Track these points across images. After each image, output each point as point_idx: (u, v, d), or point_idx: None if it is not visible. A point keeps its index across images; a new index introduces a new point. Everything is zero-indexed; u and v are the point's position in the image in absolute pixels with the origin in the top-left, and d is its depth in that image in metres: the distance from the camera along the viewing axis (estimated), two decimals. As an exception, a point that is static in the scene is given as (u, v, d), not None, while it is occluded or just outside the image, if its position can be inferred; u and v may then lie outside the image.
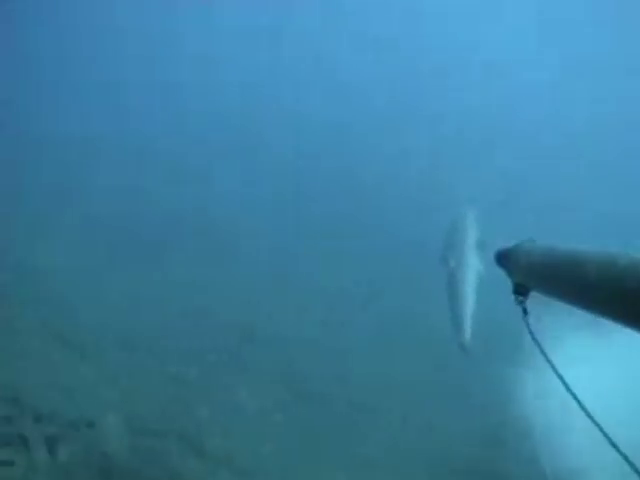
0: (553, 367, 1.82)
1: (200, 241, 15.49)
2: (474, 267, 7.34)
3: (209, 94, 23.09)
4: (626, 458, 1.54)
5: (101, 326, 11.56)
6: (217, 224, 16.43)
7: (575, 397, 1.73)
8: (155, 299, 12.95)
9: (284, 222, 16.77)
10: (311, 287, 14.58)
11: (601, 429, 1.64)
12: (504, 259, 2.24)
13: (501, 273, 2.38)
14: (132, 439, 8.89)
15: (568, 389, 1.74)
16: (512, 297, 2.21)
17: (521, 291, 2.12)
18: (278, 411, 10.94)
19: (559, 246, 1.86)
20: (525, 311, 2.08)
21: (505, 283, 2.32)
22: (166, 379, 10.72)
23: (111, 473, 7.99)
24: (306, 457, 9.97)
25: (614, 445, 1.59)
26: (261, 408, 10.85)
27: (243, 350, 12.33)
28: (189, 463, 8.97)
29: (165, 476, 8.52)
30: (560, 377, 1.76)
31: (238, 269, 14.79)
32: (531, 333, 2.00)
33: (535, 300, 2.09)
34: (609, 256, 1.54)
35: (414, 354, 11.71)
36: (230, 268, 14.63)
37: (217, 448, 9.34)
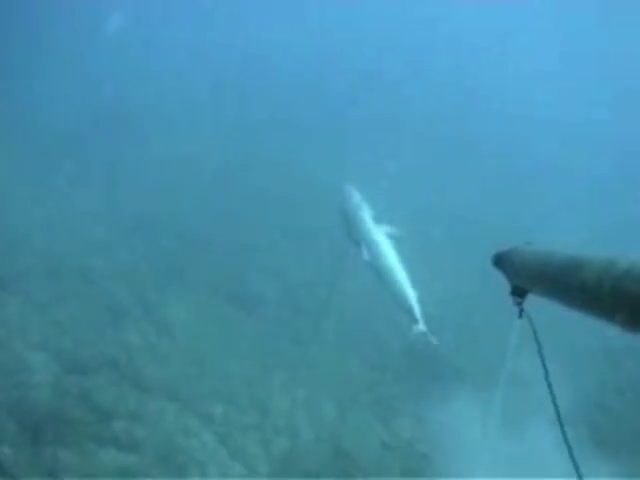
0: (543, 362, 2.02)
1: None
2: (386, 244, 7.31)
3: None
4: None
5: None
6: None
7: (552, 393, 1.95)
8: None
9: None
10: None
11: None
12: (501, 261, 2.25)
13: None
14: (62, 379, 8.20)
15: (549, 386, 1.93)
16: None
17: (518, 293, 2.15)
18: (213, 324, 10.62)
19: (557, 249, 1.86)
20: (521, 313, 2.14)
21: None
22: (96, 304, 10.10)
23: (40, 423, 7.28)
24: (246, 367, 9.68)
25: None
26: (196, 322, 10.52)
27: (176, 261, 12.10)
28: (124, 396, 8.29)
29: (100, 416, 7.83)
30: (546, 371, 1.97)
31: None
32: (534, 332, 2.09)
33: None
34: (608, 258, 1.55)
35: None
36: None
37: (151, 377, 8.75)
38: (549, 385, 1.97)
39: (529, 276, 2.05)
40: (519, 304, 2.19)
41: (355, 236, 7.57)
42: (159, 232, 13.85)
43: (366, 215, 7.59)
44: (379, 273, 7.31)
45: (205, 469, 7.70)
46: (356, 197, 7.73)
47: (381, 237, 7.41)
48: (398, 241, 7.46)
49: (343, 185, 8.02)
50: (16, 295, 9.93)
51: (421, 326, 7.12)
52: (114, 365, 8.95)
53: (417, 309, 7.11)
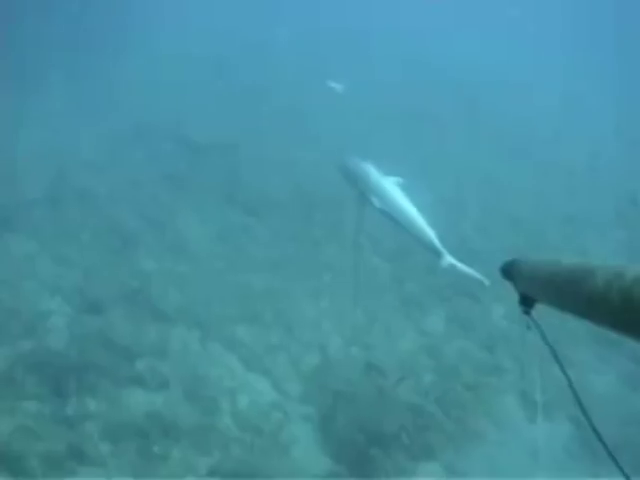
0: (562, 369, 1.92)
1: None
2: (395, 191, 6.94)
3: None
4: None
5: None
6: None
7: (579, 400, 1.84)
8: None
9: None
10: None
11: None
12: (509, 270, 2.24)
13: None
14: (77, 320, 7.94)
15: (574, 392, 1.83)
16: None
17: (527, 302, 2.14)
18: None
19: (565, 258, 1.86)
20: (530, 324, 2.10)
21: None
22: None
23: (61, 372, 7.07)
24: (266, 280, 9.42)
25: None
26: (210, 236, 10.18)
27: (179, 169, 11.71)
28: (144, 330, 8.03)
29: (121, 356, 7.60)
30: (568, 379, 1.88)
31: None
32: (545, 340, 2.03)
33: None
34: (616, 268, 1.54)
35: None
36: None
37: (170, 305, 8.48)
38: (575, 394, 1.90)
39: (536, 285, 2.05)
40: (527, 314, 2.14)
41: (362, 187, 7.10)
42: (160, 139, 13.23)
43: (371, 168, 7.05)
44: (394, 217, 6.81)
45: (235, 399, 7.54)
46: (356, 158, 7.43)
47: (390, 184, 6.94)
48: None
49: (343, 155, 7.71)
50: (20, 233, 9.53)
51: (447, 259, 6.70)
52: (130, 298, 8.64)
53: (437, 243, 6.72)
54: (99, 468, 6.34)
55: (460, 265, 6.74)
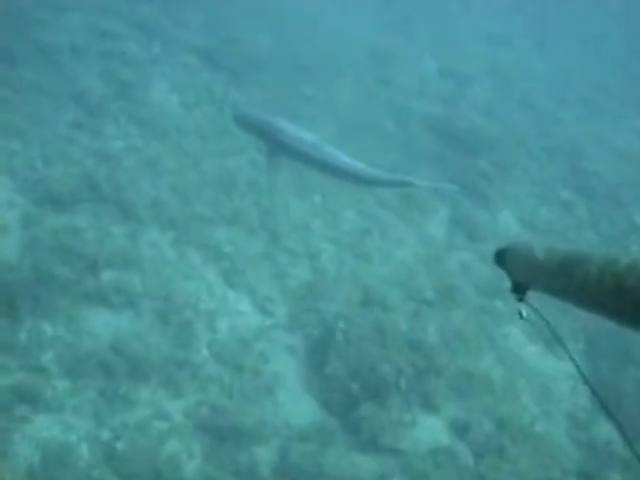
0: (566, 350, 1.88)
1: None
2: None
3: None
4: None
5: None
6: None
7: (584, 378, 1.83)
8: None
9: None
10: None
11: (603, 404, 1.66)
12: (502, 257, 2.19)
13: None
14: (32, 221, 6.81)
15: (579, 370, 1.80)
16: None
17: (519, 289, 2.13)
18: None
19: (558, 245, 1.89)
20: (521, 315, 2.09)
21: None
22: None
23: (13, 290, 6.05)
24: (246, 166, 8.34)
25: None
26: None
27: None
28: (110, 233, 7.00)
29: (84, 266, 6.62)
30: (572, 359, 1.86)
31: None
32: (548, 324, 1.96)
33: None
34: (610, 255, 1.55)
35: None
36: None
37: (140, 198, 7.38)
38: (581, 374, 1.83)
39: (530, 272, 2.01)
40: (520, 301, 2.11)
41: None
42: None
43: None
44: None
45: (214, 324, 6.69)
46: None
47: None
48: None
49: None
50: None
51: (417, 183, 6.05)
52: (94, 189, 7.42)
53: (397, 177, 6.21)
54: (55, 413, 5.58)
55: (429, 184, 6.83)
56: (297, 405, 6.25)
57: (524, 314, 2.11)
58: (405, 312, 7.22)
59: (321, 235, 8.04)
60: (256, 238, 7.73)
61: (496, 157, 10.10)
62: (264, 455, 5.78)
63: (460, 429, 6.43)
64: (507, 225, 9.33)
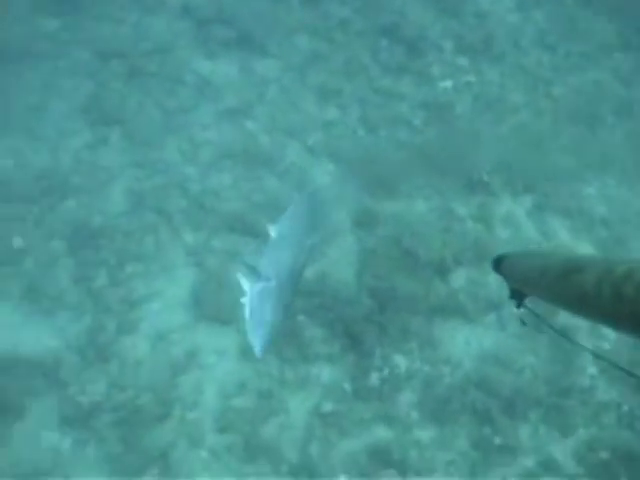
0: (581, 346, 2.08)
1: None
2: None
3: None
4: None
5: None
6: None
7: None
8: None
9: None
10: None
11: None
12: (500, 265, 2.16)
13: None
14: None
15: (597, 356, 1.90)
16: None
17: (517, 297, 2.10)
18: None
19: (555, 252, 1.86)
20: (523, 322, 2.11)
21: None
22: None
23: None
24: None
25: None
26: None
27: None
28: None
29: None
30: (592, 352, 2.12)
31: None
32: (550, 327, 1.97)
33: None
34: (606, 263, 1.51)
35: None
36: None
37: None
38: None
39: (527, 282, 1.95)
40: (518, 307, 2.08)
41: None
42: None
43: None
44: None
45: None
46: None
47: None
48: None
49: None
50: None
51: None
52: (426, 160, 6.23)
53: None
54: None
55: None
56: None
57: (525, 321, 2.11)
58: None
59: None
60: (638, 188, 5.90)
61: None
62: None
63: None
64: None
